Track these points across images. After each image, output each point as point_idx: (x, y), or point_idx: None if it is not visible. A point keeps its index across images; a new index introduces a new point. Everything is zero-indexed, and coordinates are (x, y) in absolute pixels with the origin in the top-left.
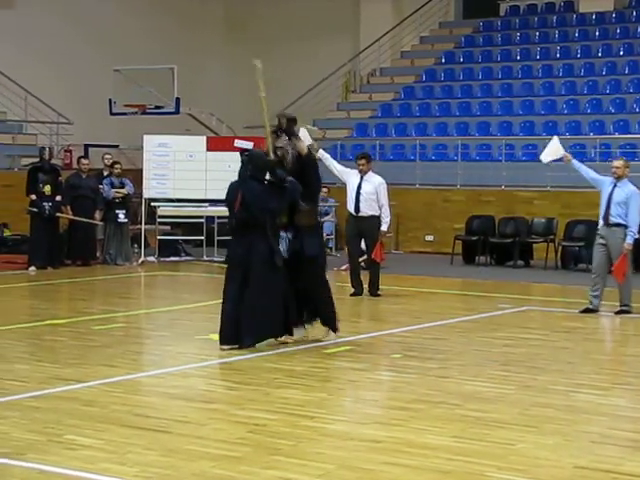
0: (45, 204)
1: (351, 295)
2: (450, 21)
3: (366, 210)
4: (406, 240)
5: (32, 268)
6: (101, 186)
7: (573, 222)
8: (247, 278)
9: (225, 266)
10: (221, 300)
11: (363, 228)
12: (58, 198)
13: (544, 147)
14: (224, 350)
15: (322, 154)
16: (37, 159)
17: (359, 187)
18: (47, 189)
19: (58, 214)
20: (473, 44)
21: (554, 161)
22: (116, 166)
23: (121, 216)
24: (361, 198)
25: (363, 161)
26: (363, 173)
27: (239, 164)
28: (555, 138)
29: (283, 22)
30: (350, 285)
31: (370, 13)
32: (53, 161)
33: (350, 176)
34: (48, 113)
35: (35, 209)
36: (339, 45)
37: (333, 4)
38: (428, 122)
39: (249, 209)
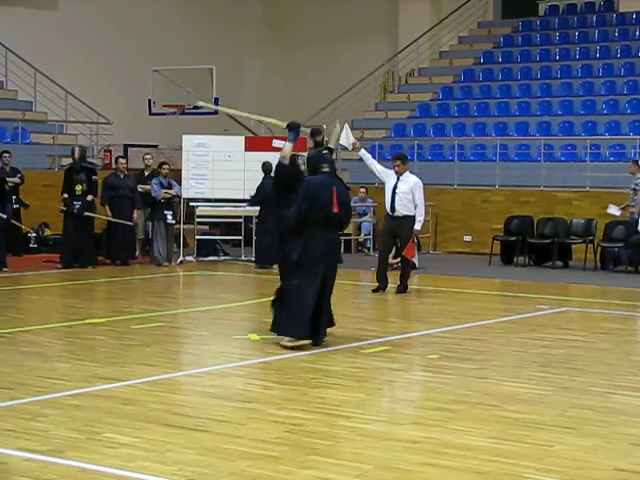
0: (75, 203)
1: (373, 290)
2: (489, 21)
3: (401, 210)
4: (444, 240)
5: (59, 267)
6: (142, 186)
7: (612, 223)
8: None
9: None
10: (292, 293)
11: (397, 227)
12: (89, 197)
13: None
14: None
15: (363, 153)
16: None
17: (395, 187)
18: (78, 188)
19: (87, 213)
20: (512, 44)
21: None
22: (164, 166)
23: (169, 217)
24: (397, 198)
25: (398, 162)
26: (399, 174)
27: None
28: None
29: (322, 22)
30: (375, 280)
31: (408, 13)
32: (93, 160)
33: (388, 176)
34: (88, 113)
35: (65, 208)
36: (377, 45)
37: (372, 4)
38: (466, 122)
39: (343, 208)
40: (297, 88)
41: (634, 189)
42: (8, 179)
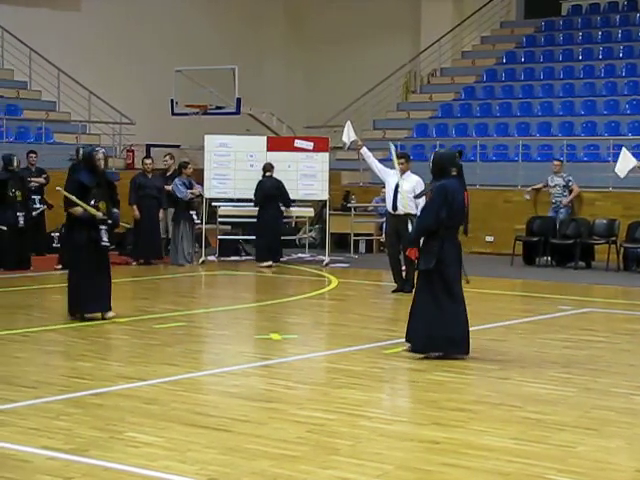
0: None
1: (393, 291)
2: (511, 21)
3: (403, 208)
4: (466, 240)
5: (59, 267)
6: (168, 187)
7: (635, 223)
8: None
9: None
10: (452, 301)
11: (399, 226)
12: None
13: (606, 148)
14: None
15: (365, 152)
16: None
17: (397, 186)
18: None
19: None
20: (534, 44)
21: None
22: (188, 166)
23: (195, 217)
24: (399, 197)
25: (402, 160)
26: (402, 172)
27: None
28: (623, 149)
29: (344, 22)
30: (393, 281)
31: (431, 13)
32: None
33: (389, 175)
34: (111, 113)
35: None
36: (399, 45)
37: (394, 3)
38: (489, 122)
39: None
40: (319, 88)
41: (557, 185)
42: (34, 179)
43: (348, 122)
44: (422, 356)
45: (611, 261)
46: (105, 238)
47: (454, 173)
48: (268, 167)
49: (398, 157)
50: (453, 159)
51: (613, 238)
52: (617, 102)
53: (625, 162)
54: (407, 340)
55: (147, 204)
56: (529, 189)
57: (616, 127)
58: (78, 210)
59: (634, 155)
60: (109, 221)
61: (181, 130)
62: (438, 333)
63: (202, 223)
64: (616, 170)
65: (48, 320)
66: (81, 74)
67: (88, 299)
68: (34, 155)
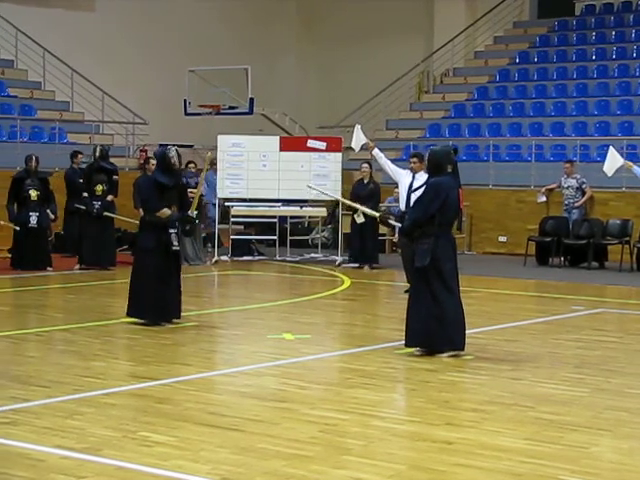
0: (95, 203)
1: (405, 291)
2: (525, 21)
3: None
4: (479, 241)
5: (77, 267)
6: None
7: None
8: None
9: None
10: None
11: None
12: (109, 198)
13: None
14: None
15: (377, 153)
16: (117, 158)
17: (410, 186)
18: (99, 188)
19: (107, 213)
20: (548, 44)
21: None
22: (190, 166)
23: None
24: (412, 196)
25: (415, 159)
26: (415, 172)
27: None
28: (611, 148)
29: (356, 21)
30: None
31: (444, 13)
32: (130, 160)
33: (402, 176)
34: (124, 113)
35: (84, 207)
36: (412, 45)
37: (407, 4)
38: (502, 122)
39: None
40: (332, 87)
41: (570, 186)
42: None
43: (357, 126)
44: (419, 352)
45: (624, 261)
46: (175, 242)
47: (449, 170)
48: None
49: (411, 156)
50: (449, 155)
51: (626, 238)
52: (631, 102)
53: (613, 161)
54: (407, 345)
55: None
56: (543, 189)
57: (630, 127)
58: (166, 212)
59: None
60: (186, 227)
61: (194, 130)
62: (437, 330)
63: (215, 223)
64: (604, 169)
65: (61, 320)
66: (95, 74)
67: (169, 304)
68: (81, 155)
